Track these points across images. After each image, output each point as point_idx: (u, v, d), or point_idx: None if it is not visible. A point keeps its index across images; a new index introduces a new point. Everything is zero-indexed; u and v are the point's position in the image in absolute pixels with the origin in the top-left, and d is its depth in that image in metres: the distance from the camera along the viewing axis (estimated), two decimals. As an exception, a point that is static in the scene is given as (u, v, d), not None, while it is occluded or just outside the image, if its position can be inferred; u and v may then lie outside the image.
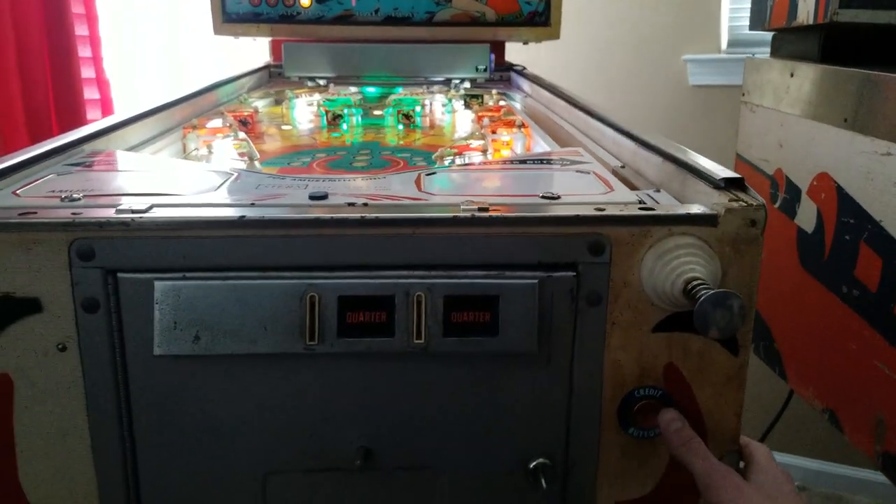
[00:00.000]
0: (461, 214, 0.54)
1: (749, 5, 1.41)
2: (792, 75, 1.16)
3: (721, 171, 0.59)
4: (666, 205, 0.59)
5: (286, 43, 1.43)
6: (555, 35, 1.43)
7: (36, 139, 1.45)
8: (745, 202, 0.55)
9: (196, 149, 0.96)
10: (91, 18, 1.69)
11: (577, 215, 0.55)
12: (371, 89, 1.38)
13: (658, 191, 0.64)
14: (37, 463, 0.57)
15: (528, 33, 1.43)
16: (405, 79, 1.42)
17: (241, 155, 0.91)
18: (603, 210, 0.55)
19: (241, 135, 0.95)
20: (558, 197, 0.59)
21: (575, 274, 0.55)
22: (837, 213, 1.02)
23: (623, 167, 0.77)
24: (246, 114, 1.09)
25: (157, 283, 0.53)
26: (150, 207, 0.55)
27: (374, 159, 0.90)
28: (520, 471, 0.59)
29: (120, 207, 0.55)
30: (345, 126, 1.14)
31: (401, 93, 1.27)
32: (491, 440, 0.59)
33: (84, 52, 1.66)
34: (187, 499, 0.59)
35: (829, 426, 1.06)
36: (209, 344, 0.54)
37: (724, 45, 1.92)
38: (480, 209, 0.55)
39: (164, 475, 0.58)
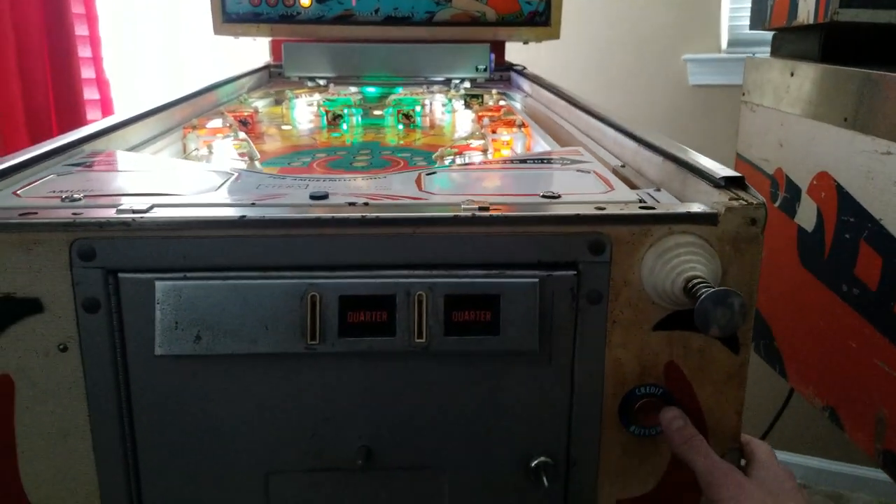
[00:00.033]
0: (462, 214, 0.54)
1: (749, 5, 1.42)
2: (792, 75, 1.16)
3: (721, 170, 0.60)
4: (666, 204, 0.59)
5: (286, 43, 1.43)
6: (555, 35, 1.43)
7: (36, 139, 1.45)
8: (746, 201, 0.55)
9: (196, 149, 0.96)
10: (91, 18, 1.69)
11: (578, 214, 0.55)
12: (371, 89, 1.38)
13: (658, 190, 0.65)
14: (38, 463, 0.57)
15: (529, 33, 1.43)
16: (405, 79, 1.42)
17: (242, 155, 0.91)
18: (603, 209, 0.55)
19: (242, 135, 0.95)
20: (559, 196, 0.59)
21: (575, 273, 0.55)
22: (837, 212, 1.02)
23: (623, 166, 0.77)
24: (246, 114, 1.09)
25: (158, 283, 0.54)
26: (151, 207, 0.55)
27: (375, 159, 0.90)
28: (521, 469, 0.59)
29: (121, 207, 0.55)
30: (345, 126, 1.14)
31: (401, 93, 1.27)
32: (492, 439, 0.59)
33: (84, 52, 1.66)
34: (189, 498, 0.59)
35: (829, 424, 1.06)
36: (210, 344, 0.54)
37: (724, 44, 1.92)
38: (481, 208, 0.55)
39: (166, 475, 0.58)
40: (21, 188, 0.61)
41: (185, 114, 1.05)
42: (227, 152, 0.93)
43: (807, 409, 1.19)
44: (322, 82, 1.41)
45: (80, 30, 1.65)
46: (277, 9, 1.38)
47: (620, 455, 0.60)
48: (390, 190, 0.63)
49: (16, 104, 1.48)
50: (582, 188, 0.63)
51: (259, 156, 0.90)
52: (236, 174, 0.68)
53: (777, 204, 1.21)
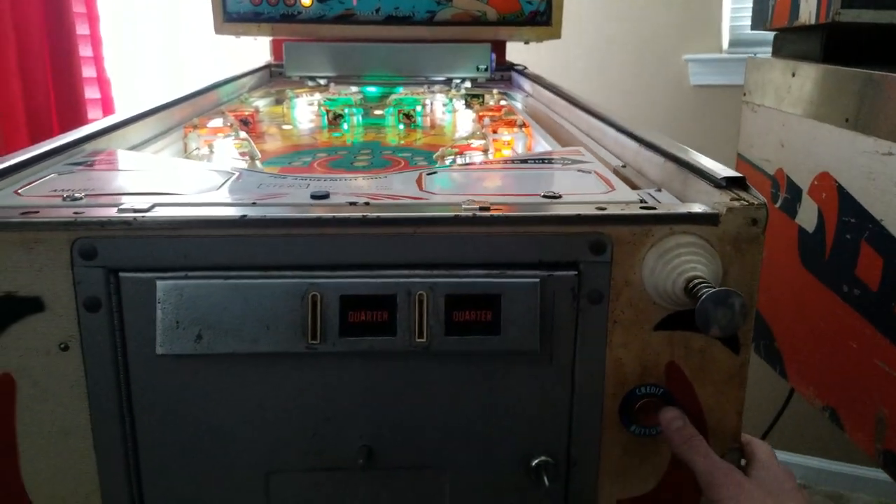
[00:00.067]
0: (462, 214, 0.54)
1: (750, 5, 1.41)
2: (793, 75, 1.16)
3: (722, 171, 0.60)
4: (667, 204, 0.59)
5: (287, 42, 1.43)
6: (556, 35, 1.43)
7: (37, 139, 1.45)
8: (747, 201, 0.55)
9: (197, 148, 0.96)
10: (92, 18, 1.69)
11: (579, 214, 0.55)
12: (372, 89, 1.38)
13: (659, 190, 0.65)
14: (39, 462, 0.57)
15: (529, 33, 1.43)
16: (406, 78, 1.42)
17: (243, 154, 0.91)
18: (604, 209, 0.55)
19: (242, 134, 0.95)
20: (560, 196, 0.59)
21: (576, 273, 0.55)
22: (838, 212, 1.02)
23: (624, 167, 0.77)
24: (247, 113, 1.09)
25: (159, 283, 0.54)
26: (152, 207, 0.55)
27: (375, 159, 0.90)
28: (522, 469, 0.59)
29: (122, 207, 0.55)
30: (346, 126, 1.14)
31: (402, 92, 1.27)
32: (493, 439, 0.59)
33: (85, 51, 1.66)
34: (189, 497, 0.59)
35: (829, 424, 1.06)
36: (211, 343, 0.54)
37: (725, 44, 1.92)
38: (482, 208, 0.55)
39: (167, 474, 0.58)
40: (22, 187, 0.61)
41: (186, 113, 1.05)
42: (227, 152, 0.93)
43: (807, 409, 1.19)
44: (323, 82, 1.41)
45: (81, 29, 1.65)
46: (278, 8, 1.38)
47: (621, 455, 0.60)
48: (391, 190, 0.63)
49: (16, 103, 1.48)
50: (583, 188, 0.63)
51: (260, 155, 0.90)
52: (237, 173, 0.69)
53: (778, 204, 1.21)
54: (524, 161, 0.74)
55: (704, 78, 1.93)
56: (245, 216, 0.54)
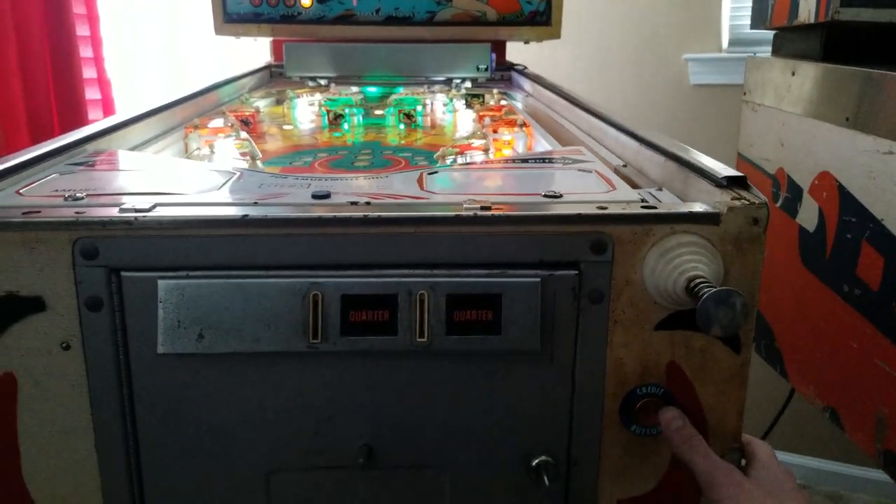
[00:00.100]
0: (463, 213, 0.55)
1: (750, 4, 1.42)
2: (793, 74, 1.16)
3: (723, 170, 0.60)
4: (668, 203, 0.59)
5: (287, 43, 1.43)
6: (556, 34, 1.43)
7: (37, 139, 1.45)
8: (748, 200, 0.55)
9: (198, 148, 0.96)
10: (92, 19, 1.69)
11: (580, 214, 0.55)
12: (372, 89, 1.38)
13: (660, 189, 0.65)
14: (40, 461, 0.57)
15: (529, 33, 1.43)
16: (406, 78, 1.42)
17: (243, 154, 0.91)
18: (605, 209, 0.55)
19: (243, 134, 0.95)
20: (560, 196, 0.59)
21: (577, 272, 0.55)
22: (839, 211, 1.02)
23: (625, 166, 0.77)
24: (247, 113, 1.09)
25: (161, 282, 0.54)
26: (154, 206, 0.55)
27: (376, 159, 0.91)
28: (522, 469, 0.59)
29: (123, 206, 0.55)
30: (346, 126, 1.14)
31: (402, 92, 1.27)
32: (493, 438, 0.59)
33: (85, 52, 1.66)
34: (191, 496, 0.59)
35: (830, 424, 1.06)
36: (212, 342, 0.54)
37: (725, 44, 1.92)
38: (483, 208, 0.55)
39: (168, 473, 0.58)
40: (24, 187, 0.62)
41: (187, 113, 1.05)
42: (228, 152, 0.94)
43: (807, 409, 1.20)
44: (323, 82, 1.41)
45: (82, 30, 1.65)
46: (278, 9, 1.38)
47: (621, 455, 0.60)
48: (392, 189, 0.63)
49: (17, 104, 1.48)
50: (583, 188, 0.63)
51: (261, 155, 0.90)
52: (238, 173, 0.69)
53: (778, 204, 1.21)
54: (525, 161, 0.74)
55: (704, 77, 1.93)
56: (246, 216, 0.54)
